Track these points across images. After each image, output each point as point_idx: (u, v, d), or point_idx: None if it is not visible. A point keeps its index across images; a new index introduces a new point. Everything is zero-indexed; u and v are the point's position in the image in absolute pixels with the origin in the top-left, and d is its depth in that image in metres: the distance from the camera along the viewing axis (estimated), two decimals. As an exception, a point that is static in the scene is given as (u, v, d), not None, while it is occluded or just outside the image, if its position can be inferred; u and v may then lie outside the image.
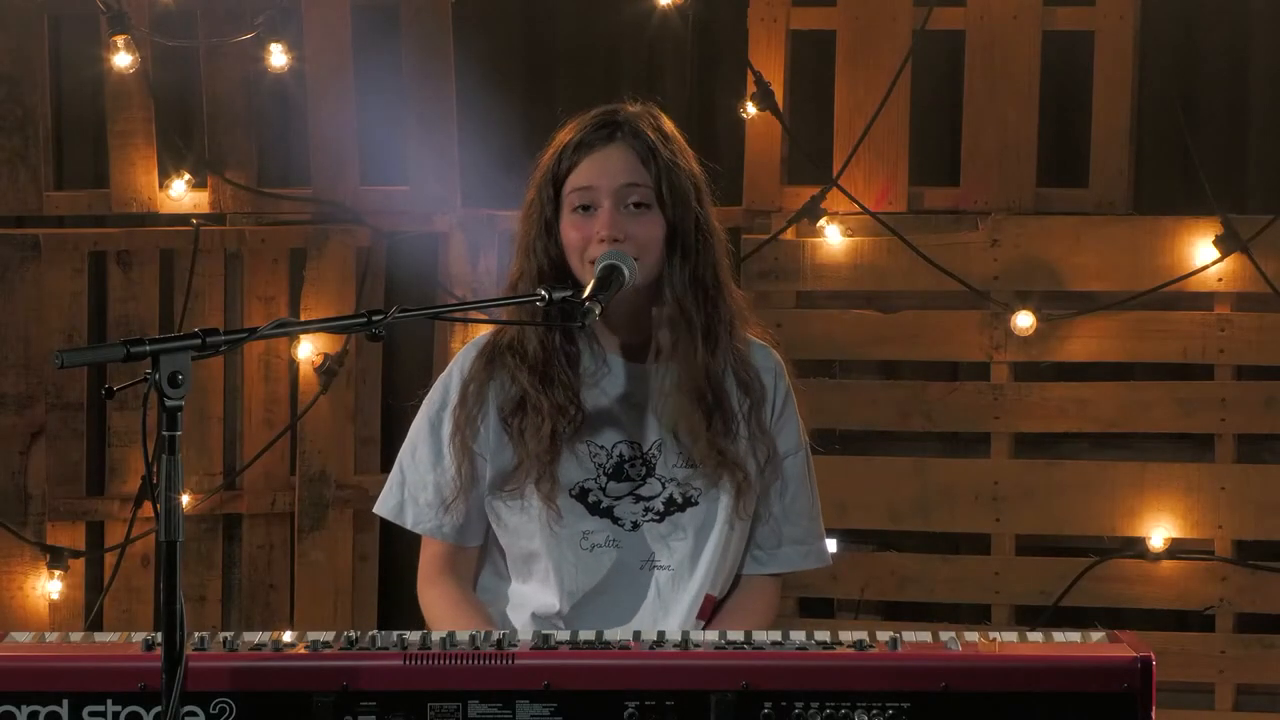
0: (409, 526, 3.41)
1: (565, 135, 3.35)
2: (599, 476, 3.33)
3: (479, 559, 3.43)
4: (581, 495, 3.33)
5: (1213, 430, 5.18)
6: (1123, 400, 5.21)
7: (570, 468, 3.32)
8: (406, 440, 3.43)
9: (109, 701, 2.76)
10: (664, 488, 3.34)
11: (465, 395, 3.35)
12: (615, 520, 3.33)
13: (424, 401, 3.43)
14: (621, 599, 3.32)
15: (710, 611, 3.35)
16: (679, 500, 3.34)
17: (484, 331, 3.44)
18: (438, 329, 5.43)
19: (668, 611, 3.31)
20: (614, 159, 3.31)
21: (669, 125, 3.38)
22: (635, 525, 3.33)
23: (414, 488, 3.39)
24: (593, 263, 3.25)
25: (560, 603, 3.31)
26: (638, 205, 3.30)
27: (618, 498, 3.33)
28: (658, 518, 3.34)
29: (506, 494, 3.33)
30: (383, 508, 3.43)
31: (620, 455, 3.34)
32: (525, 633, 2.93)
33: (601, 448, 3.34)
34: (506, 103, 5.54)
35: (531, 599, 3.36)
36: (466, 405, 3.35)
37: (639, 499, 3.34)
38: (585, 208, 3.30)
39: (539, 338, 3.32)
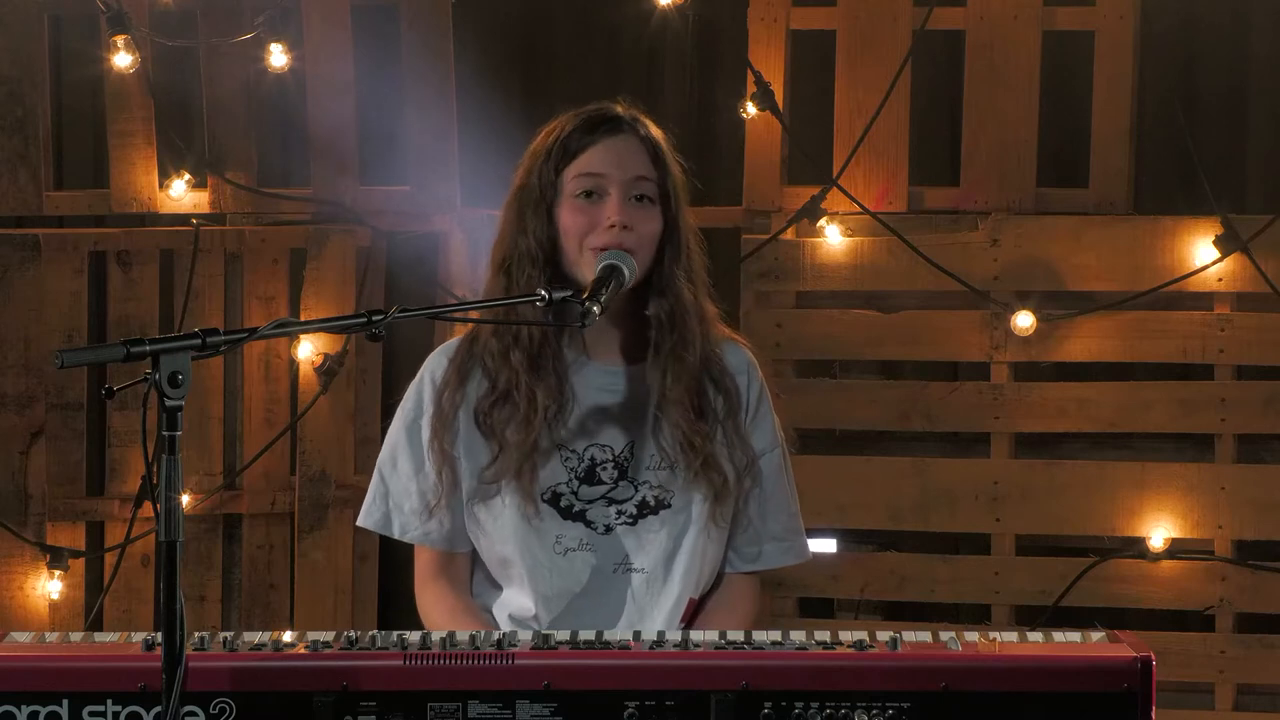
0: (397, 536, 3.40)
1: (564, 125, 3.33)
2: (571, 480, 3.32)
3: (472, 562, 3.42)
4: (554, 499, 3.32)
5: (1213, 430, 5.18)
6: (1123, 400, 5.21)
7: (543, 472, 3.31)
8: (384, 449, 3.41)
9: (109, 701, 2.76)
10: (637, 491, 3.33)
11: (440, 402, 3.34)
12: (588, 524, 3.32)
13: (398, 409, 3.41)
14: (597, 603, 3.31)
15: (692, 613, 3.34)
16: (652, 503, 3.33)
17: (456, 336, 3.44)
18: (438, 329, 5.43)
19: (644, 615, 3.31)
20: (625, 150, 3.31)
21: (659, 130, 3.38)
22: (608, 529, 3.32)
23: (398, 497, 3.38)
24: (592, 250, 3.25)
25: (536, 607, 3.31)
26: (641, 199, 3.30)
27: (590, 501, 3.32)
28: (631, 521, 3.33)
29: (483, 492, 3.32)
30: (368, 520, 3.42)
31: (592, 459, 3.33)
32: (523, 633, 2.92)
33: (574, 451, 3.33)
34: (506, 103, 5.54)
35: (510, 603, 3.36)
36: (442, 412, 3.34)
37: (612, 502, 3.33)
38: (589, 194, 3.29)
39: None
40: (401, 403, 3.41)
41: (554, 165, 3.31)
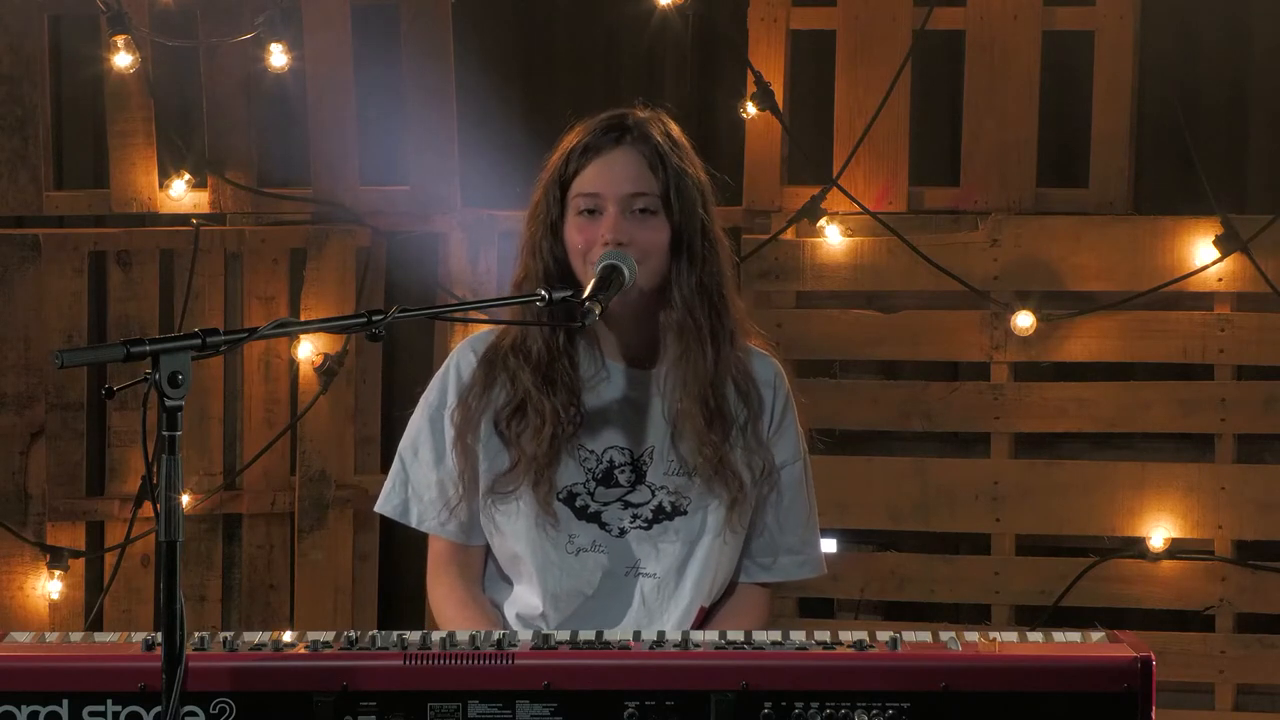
0: (414, 525, 3.41)
1: (573, 138, 3.34)
2: (588, 481, 3.32)
3: (485, 556, 3.42)
4: (569, 499, 3.32)
5: (1213, 430, 5.18)
6: (1123, 400, 5.21)
7: (560, 472, 3.31)
8: (405, 437, 3.42)
9: (109, 701, 2.76)
10: (654, 495, 3.33)
11: (466, 400, 3.34)
12: (603, 526, 3.32)
13: (421, 398, 3.42)
14: (606, 605, 3.31)
15: (701, 621, 3.34)
16: (668, 509, 3.33)
17: (484, 329, 3.44)
18: (438, 329, 5.43)
19: (653, 620, 3.30)
20: (620, 164, 3.30)
21: (677, 131, 3.36)
22: (622, 532, 3.32)
23: (418, 486, 3.39)
24: (594, 265, 3.24)
25: (544, 605, 3.31)
26: (643, 211, 3.29)
27: (606, 503, 3.33)
28: (645, 525, 3.33)
29: (499, 498, 3.32)
30: (385, 506, 3.42)
31: (611, 461, 3.33)
32: (523, 633, 2.92)
33: (592, 452, 3.33)
34: (506, 103, 5.54)
35: (519, 601, 3.36)
36: (468, 409, 3.34)
37: (627, 505, 3.33)
38: (590, 211, 3.29)
39: (543, 339, 3.31)
40: (425, 391, 3.41)
41: (558, 184, 3.32)
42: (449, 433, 3.35)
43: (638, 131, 3.32)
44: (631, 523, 3.32)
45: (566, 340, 3.32)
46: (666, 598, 3.32)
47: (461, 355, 3.39)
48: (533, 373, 3.31)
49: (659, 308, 3.32)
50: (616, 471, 3.33)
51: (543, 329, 3.30)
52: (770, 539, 3.40)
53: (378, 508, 3.44)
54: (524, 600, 3.35)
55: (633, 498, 3.33)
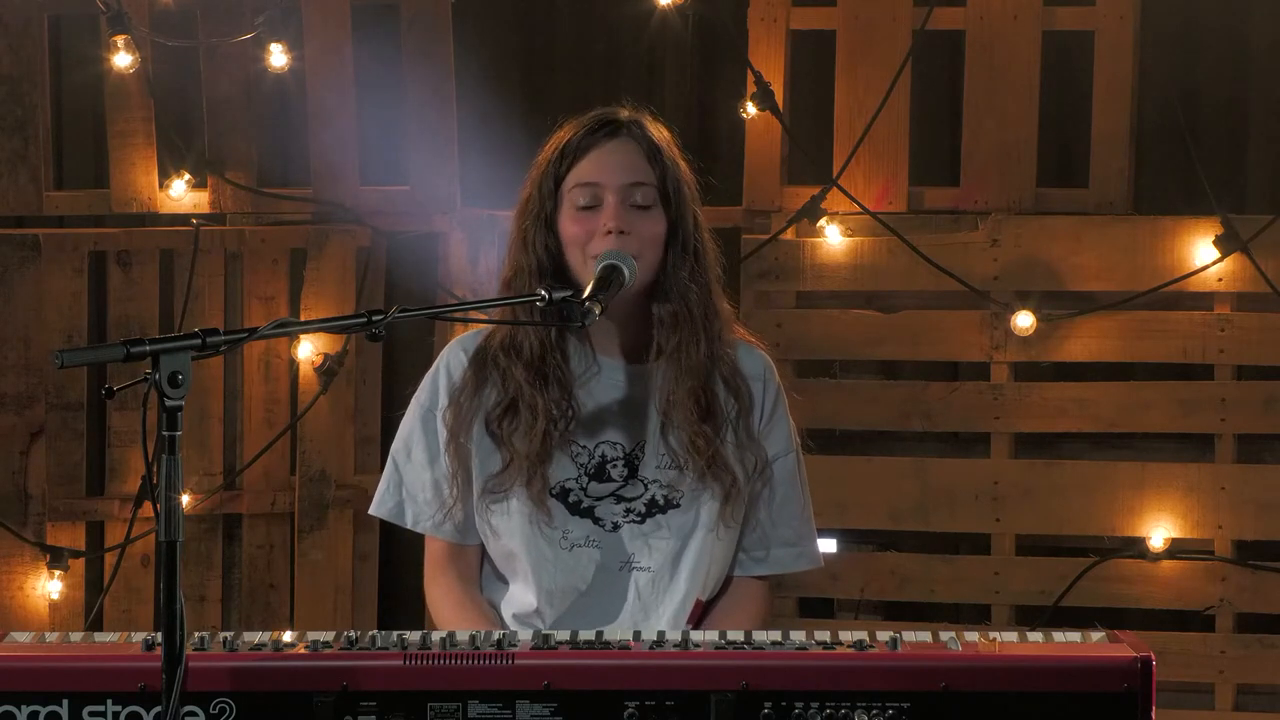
0: (409, 526, 3.41)
1: (564, 134, 3.35)
2: (580, 477, 3.33)
3: (482, 555, 3.42)
4: (562, 495, 3.32)
5: (1213, 430, 5.18)
6: (1123, 400, 5.22)
7: (553, 468, 3.31)
8: (398, 439, 3.42)
9: (109, 701, 2.77)
10: (646, 489, 3.33)
11: (457, 400, 3.34)
12: (596, 520, 3.32)
13: (413, 399, 3.42)
14: (601, 600, 3.31)
15: (699, 614, 3.34)
16: (661, 502, 3.33)
17: (473, 329, 3.44)
18: (438, 329, 5.43)
19: (648, 614, 3.31)
20: (619, 155, 3.31)
21: (665, 128, 3.39)
22: (616, 526, 3.33)
23: (412, 487, 3.39)
24: (594, 258, 3.25)
25: (539, 602, 3.31)
26: (641, 202, 3.30)
27: (599, 498, 3.33)
28: (639, 519, 3.33)
29: (493, 498, 3.32)
30: (380, 508, 3.42)
31: (603, 456, 3.33)
32: (523, 633, 2.92)
33: (584, 448, 3.33)
34: (506, 103, 5.54)
35: (515, 599, 3.36)
36: (459, 410, 3.34)
37: (620, 500, 3.33)
38: (588, 202, 3.30)
39: (537, 335, 3.31)
40: (416, 392, 3.41)
41: (553, 176, 3.32)
42: (442, 433, 3.35)
43: (633, 126, 3.34)
44: (625, 517, 3.32)
45: (558, 336, 3.32)
46: (661, 591, 3.32)
47: (452, 355, 3.40)
48: (525, 369, 3.31)
49: (651, 303, 3.32)
50: (609, 466, 3.33)
51: (537, 327, 3.30)
52: (763, 532, 3.40)
53: (373, 510, 3.44)
54: (519, 599, 3.35)
55: (625, 492, 3.33)
